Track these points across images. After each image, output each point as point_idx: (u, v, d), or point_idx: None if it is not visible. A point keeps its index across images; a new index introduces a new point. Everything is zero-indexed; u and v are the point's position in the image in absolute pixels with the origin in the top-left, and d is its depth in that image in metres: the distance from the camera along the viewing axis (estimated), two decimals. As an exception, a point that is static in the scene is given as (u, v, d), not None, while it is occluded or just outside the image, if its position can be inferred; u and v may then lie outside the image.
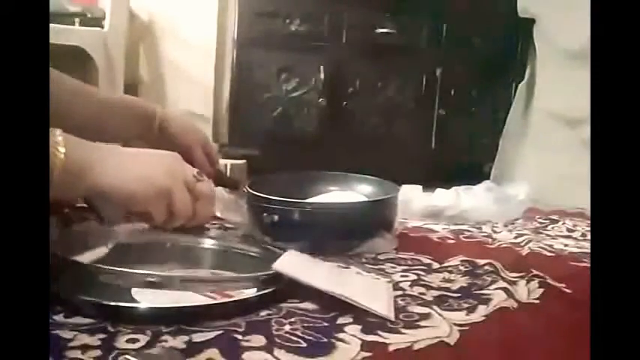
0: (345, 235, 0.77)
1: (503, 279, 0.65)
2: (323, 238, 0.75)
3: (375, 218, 0.81)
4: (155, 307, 0.49)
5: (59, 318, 0.47)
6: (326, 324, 0.49)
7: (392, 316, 0.51)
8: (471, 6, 1.89)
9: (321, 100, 1.77)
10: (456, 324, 0.50)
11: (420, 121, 1.90)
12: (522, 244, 0.91)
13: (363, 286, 0.61)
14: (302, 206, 0.77)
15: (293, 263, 0.60)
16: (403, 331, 0.49)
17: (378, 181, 0.90)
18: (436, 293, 0.60)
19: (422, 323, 0.51)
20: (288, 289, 0.55)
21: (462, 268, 0.72)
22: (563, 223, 1.13)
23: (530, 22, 1.88)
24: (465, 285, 0.64)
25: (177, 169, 0.59)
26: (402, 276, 0.67)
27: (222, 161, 1.28)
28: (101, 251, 0.60)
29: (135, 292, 0.51)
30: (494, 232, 1.03)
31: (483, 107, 1.94)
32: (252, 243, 0.73)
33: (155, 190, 0.56)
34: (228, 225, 0.88)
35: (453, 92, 1.91)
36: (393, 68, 1.83)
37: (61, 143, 0.50)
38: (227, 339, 0.45)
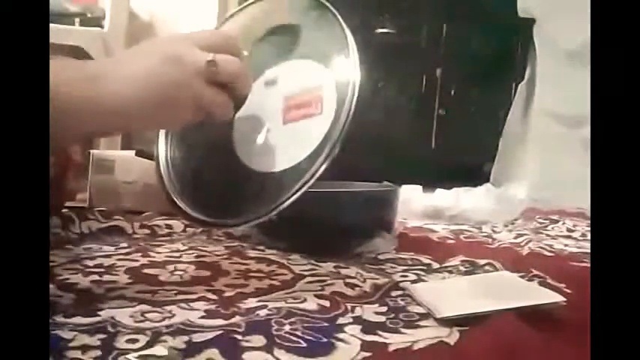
0: (345, 231, 0.77)
1: (504, 279, 0.65)
2: (323, 237, 0.75)
3: (375, 211, 0.80)
4: None
5: (59, 318, 0.47)
6: (326, 324, 0.50)
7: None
8: (471, 6, 1.89)
9: (321, 100, 1.77)
10: (456, 324, 0.50)
11: (420, 121, 1.90)
12: (522, 244, 0.91)
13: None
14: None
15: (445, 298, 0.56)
16: (403, 331, 0.49)
17: (378, 185, 0.90)
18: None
19: (422, 323, 0.51)
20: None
21: (462, 268, 0.72)
22: (563, 223, 1.13)
23: (530, 22, 1.89)
24: (465, 285, 0.64)
25: (184, 71, 0.50)
26: (402, 276, 0.67)
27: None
28: None
29: None
30: (494, 232, 1.03)
31: (483, 107, 1.94)
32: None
33: (177, 108, 0.50)
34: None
35: (453, 92, 1.91)
36: (393, 68, 1.83)
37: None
38: (227, 339, 0.45)
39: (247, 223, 0.56)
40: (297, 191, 0.53)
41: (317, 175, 0.53)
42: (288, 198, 0.53)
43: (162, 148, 0.64)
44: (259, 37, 0.64)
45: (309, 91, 0.56)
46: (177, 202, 0.60)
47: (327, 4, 0.60)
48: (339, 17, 0.59)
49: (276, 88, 0.59)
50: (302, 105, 0.56)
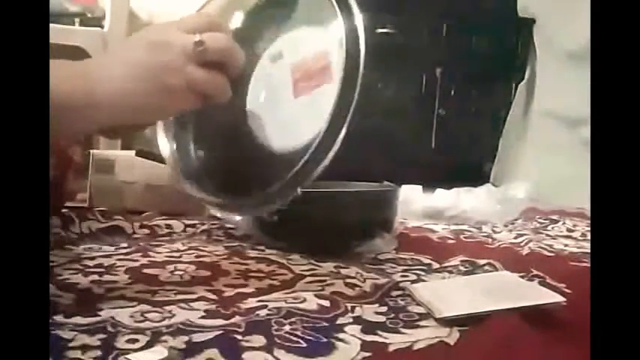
0: (345, 231, 0.77)
1: (503, 279, 0.65)
2: (323, 237, 0.75)
3: (375, 211, 0.80)
4: None
5: (59, 318, 0.47)
6: (326, 324, 0.50)
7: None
8: (471, 6, 1.89)
9: (321, 100, 1.77)
10: (456, 324, 0.50)
11: (420, 121, 1.90)
12: (522, 244, 0.91)
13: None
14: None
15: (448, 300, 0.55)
16: (403, 331, 0.49)
17: (378, 185, 0.90)
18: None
19: (422, 323, 0.51)
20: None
21: (462, 268, 0.72)
22: (563, 223, 1.13)
23: (530, 22, 1.88)
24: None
25: (172, 56, 0.50)
26: (402, 276, 0.67)
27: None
28: None
29: None
30: (494, 232, 1.03)
31: (483, 107, 1.94)
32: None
33: (171, 93, 0.49)
34: (228, 225, 0.88)
35: (453, 92, 1.91)
36: (393, 68, 1.83)
37: None
38: (227, 339, 0.45)
39: (270, 202, 0.55)
40: (320, 161, 0.52)
41: (337, 143, 0.51)
42: (312, 170, 0.52)
43: (166, 143, 0.63)
44: (249, 10, 0.63)
45: (316, 60, 0.55)
46: (193, 191, 0.60)
47: None
48: None
49: (282, 61, 0.57)
50: (311, 76, 0.54)
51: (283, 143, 0.56)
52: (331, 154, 0.52)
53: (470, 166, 1.87)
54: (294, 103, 0.56)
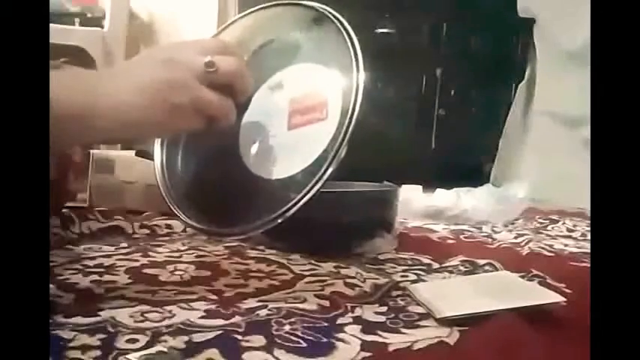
0: (345, 231, 0.77)
1: (504, 279, 0.65)
2: (323, 237, 0.75)
3: (375, 211, 0.80)
4: None
5: (59, 318, 0.47)
6: (326, 324, 0.50)
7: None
8: (471, 6, 1.89)
9: (321, 100, 1.77)
10: (456, 324, 0.50)
11: (420, 121, 1.90)
12: (522, 244, 0.91)
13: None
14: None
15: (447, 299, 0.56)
16: (403, 331, 0.49)
17: (378, 185, 0.90)
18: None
19: (422, 323, 0.51)
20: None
21: (462, 268, 0.72)
22: (563, 223, 1.13)
23: (530, 22, 1.89)
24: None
25: (182, 74, 0.49)
26: (402, 276, 0.67)
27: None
28: None
29: None
30: (494, 232, 1.03)
31: (483, 107, 1.94)
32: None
33: (175, 111, 0.48)
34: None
35: (453, 92, 1.91)
36: (393, 68, 1.83)
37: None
38: (227, 339, 0.45)
39: (254, 231, 0.55)
40: (303, 197, 0.52)
41: (322, 180, 0.52)
42: (295, 204, 0.52)
43: (158, 154, 0.63)
44: (260, 44, 0.63)
45: (314, 96, 0.55)
46: (178, 212, 0.59)
47: (331, 11, 0.59)
48: (344, 21, 0.58)
49: (281, 92, 0.58)
50: (307, 110, 0.55)
51: (273, 174, 0.55)
52: (317, 189, 0.52)
53: (470, 166, 1.88)
54: (287, 134, 0.55)
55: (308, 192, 0.52)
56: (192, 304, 0.53)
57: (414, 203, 1.12)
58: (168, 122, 0.49)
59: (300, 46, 0.61)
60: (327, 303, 0.55)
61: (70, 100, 0.46)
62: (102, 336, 0.44)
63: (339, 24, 0.58)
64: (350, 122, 0.53)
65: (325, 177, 0.52)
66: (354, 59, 0.56)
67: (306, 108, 0.55)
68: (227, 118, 0.52)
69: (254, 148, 0.57)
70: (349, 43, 0.57)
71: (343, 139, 0.52)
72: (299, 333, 0.47)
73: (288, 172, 0.54)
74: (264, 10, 0.65)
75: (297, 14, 0.62)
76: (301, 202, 0.52)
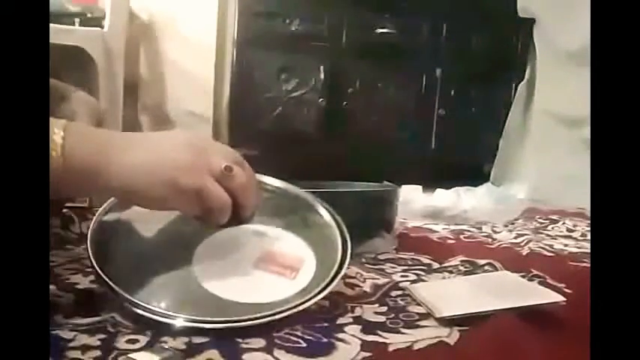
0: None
1: (503, 279, 0.65)
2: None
3: (375, 211, 0.80)
4: None
5: (59, 318, 0.47)
6: (326, 324, 0.49)
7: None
8: (471, 6, 1.89)
9: (321, 100, 1.77)
10: (456, 324, 0.50)
11: (420, 121, 1.90)
12: (522, 244, 0.91)
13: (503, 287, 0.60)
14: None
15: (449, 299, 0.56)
16: (403, 331, 0.49)
17: (378, 185, 0.90)
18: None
19: (422, 323, 0.51)
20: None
21: (462, 268, 0.72)
22: (563, 223, 1.13)
23: (530, 22, 1.89)
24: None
25: (200, 163, 0.50)
26: (402, 276, 0.67)
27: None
28: None
29: None
30: (494, 232, 1.03)
31: (483, 107, 1.94)
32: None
33: (179, 191, 0.49)
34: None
35: (453, 92, 1.91)
36: (393, 68, 1.83)
37: (57, 144, 0.45)
38: (227, 340, 0.45)
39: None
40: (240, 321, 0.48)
41: (265, 320, 0.48)
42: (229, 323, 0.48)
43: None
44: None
45: (290, 259, 0.55)
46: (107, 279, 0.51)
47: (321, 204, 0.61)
48: (335, 216, 0.60)
49: (261, 240, 0.56)
50: (279, 264, 0.54)
51: (218, 290, 0.51)
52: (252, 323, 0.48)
53: (470, 166, 1.88)
54: (250, 270, 0.54)
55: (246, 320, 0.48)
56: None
57: (414, 203, 1.12)
58: (169, 200, 0.50)
59: (308, 226, 0.61)
60: (327, 303, 0.54)
61: (83, 155, 0.47)
62: (102, 336, 0.44)
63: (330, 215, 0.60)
64: (314, 296, 0.51)
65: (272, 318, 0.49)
66: (341, 250, 0.56)
67: (278, 263, 0.54)
68: (221, 214, 0.51)
69: (211, 264, 0.53)
70: (338, 235, 0.58)
71: (298, 304, 0.50)
72: (299, 333, 0.47)
73: (236, 299, 0.51)
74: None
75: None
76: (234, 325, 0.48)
